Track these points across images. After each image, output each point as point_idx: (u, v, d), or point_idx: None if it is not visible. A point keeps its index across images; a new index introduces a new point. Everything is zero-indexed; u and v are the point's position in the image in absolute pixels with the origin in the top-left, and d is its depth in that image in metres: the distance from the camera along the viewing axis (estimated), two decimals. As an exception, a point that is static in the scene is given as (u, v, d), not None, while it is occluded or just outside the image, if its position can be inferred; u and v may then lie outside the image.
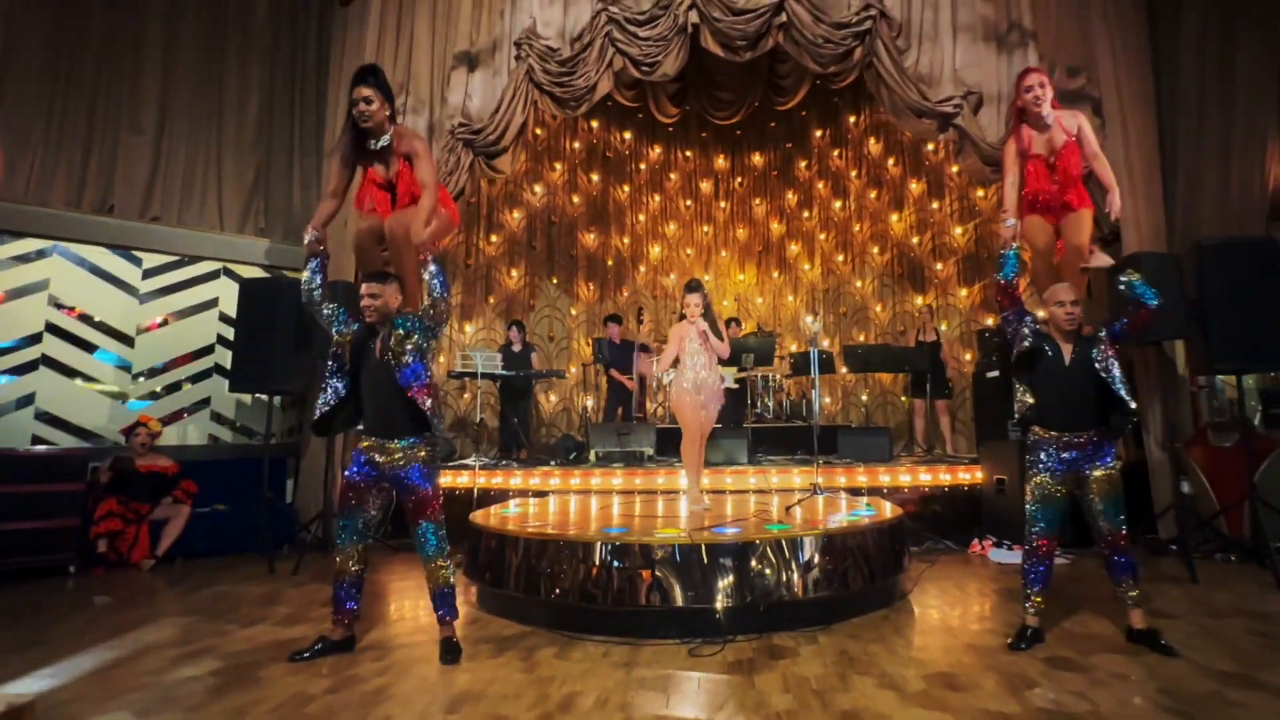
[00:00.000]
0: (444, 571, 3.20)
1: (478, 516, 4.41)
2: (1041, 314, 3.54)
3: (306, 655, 3.08)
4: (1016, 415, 3.36)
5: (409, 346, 3.18)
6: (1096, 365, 3.18)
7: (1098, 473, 3.20)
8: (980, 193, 8.36)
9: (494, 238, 8.79)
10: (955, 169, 8.49)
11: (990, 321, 8.12)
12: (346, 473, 3.24)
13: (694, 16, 5.73)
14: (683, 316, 4.65)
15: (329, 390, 3.23)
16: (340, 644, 3.20)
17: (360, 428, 3.29)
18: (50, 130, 5.95)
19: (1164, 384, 5.88)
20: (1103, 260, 3.71)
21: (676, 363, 4.64)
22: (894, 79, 5.71)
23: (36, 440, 5.61)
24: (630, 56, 5.80)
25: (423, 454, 3.20)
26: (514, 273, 9.01)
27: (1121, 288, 3.24)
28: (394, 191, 3.72)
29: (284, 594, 4.31)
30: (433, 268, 3.27)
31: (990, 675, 2.76)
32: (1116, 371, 3.18)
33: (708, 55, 6.17)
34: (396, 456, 3.17)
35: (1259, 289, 4.82)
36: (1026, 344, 3.30)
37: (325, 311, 3.30)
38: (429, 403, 3.16)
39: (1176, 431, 5.68)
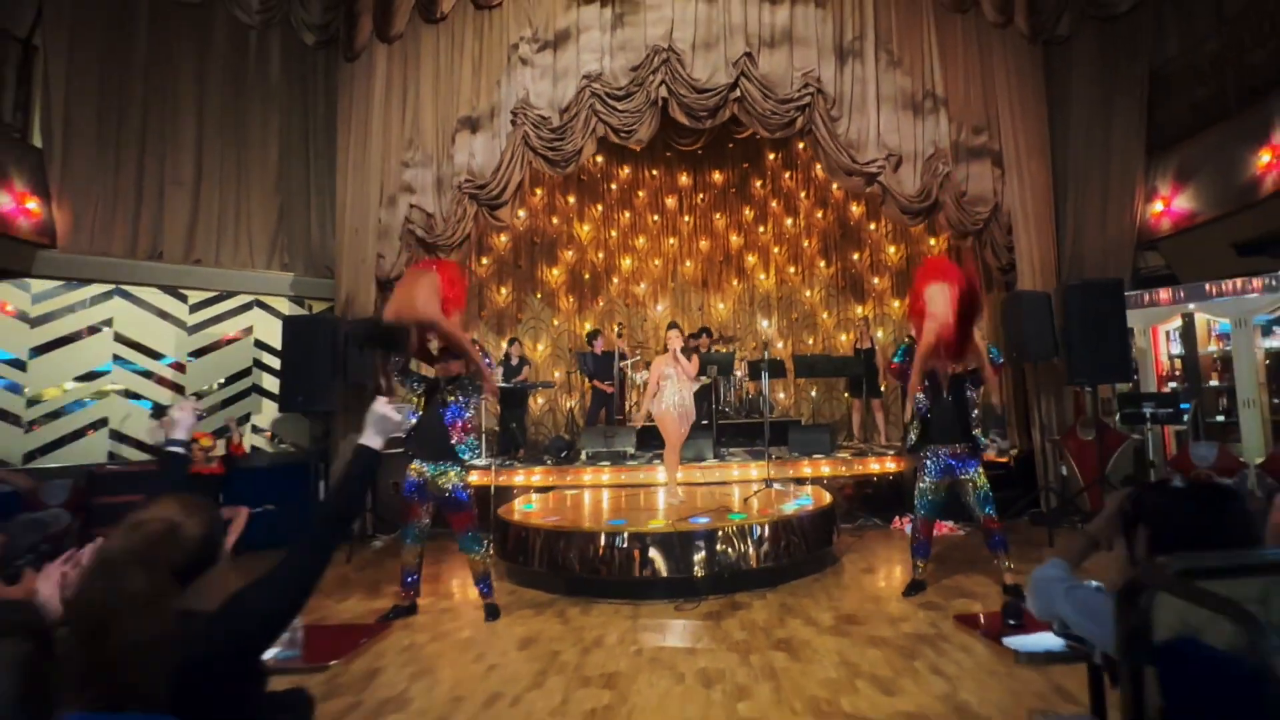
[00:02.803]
0: (484, 562, 4.40)
1: (504, 512, 5.58)
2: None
3: (390, 616, 4.29)
4: (909, 444, 4.67)
5: (451, 400, 4.33)
6: (966, 399, 4.48)
7: (969, 477, 4.49)
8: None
9: (484, 260, 9.84)
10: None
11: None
12: (404, 493, 4.41)
13: (663, 92, 6.85)
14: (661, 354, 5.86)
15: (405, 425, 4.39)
16: (408, 609, 4.41)
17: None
18: (106, 189, 6.83)
19: (1048, 390, 7.29)
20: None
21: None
22: (829, 144, 6.94)
23: (112, 456, 6.59)
24: (611, 125, 6.92)
25: (463, 477, 4.36)
26: (503, 290, 10.08)
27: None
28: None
29: (351, 579, 5.43)
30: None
31: (881, 614, 4.07)
32: (972, 407, 4.48)
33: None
34: (443, 481, 4.32)
35: (1106, 320, 6.21)
36: (920, 408, 4.56)
37: (409, 382, 4.45)
38: (454, 438, 4.30)
39: (1049, 429, 7.13)
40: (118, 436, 6.68)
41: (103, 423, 6.61)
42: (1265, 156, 6.13)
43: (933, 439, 4.55)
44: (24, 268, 6.26)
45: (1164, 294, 7.32)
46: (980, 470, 4.52)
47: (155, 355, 6.97)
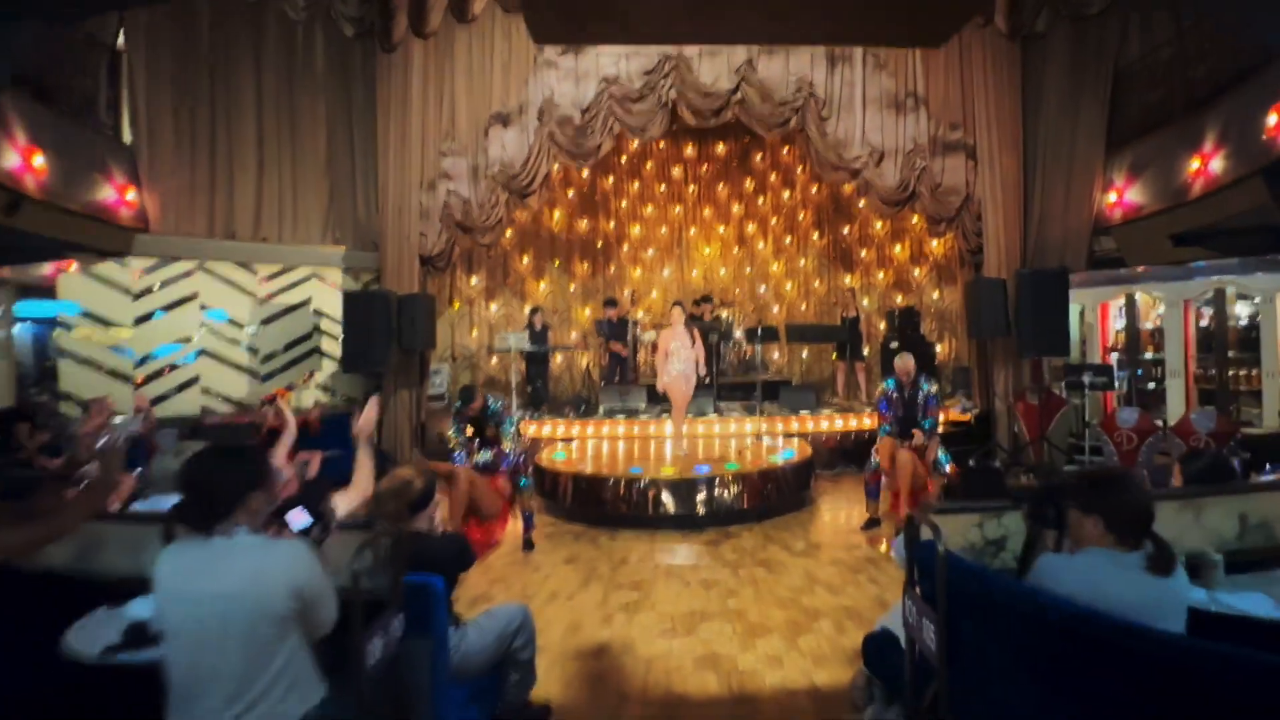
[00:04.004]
0: (531, 501, 5.56)
1: (540, 460, 6.77)
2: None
3: (528, 548, 5.41)
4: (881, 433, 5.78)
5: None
6: (918, 400, 5.57)
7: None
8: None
9: (508, 232, 10.81)
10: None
11: (900, 300, 10.61)
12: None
13: (673, 94, 7.76)
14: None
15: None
16: None
17: None
18: (185, 177, 7.80)
19: (1005, 361, 8.37)
20: None
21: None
22: (819, 142, 7.88)
23: (204, 409, 7.76)
24: (627, 124, 7.85)
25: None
26: (524, 259, 11.10)
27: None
28: None
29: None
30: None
31: (841, 543, 5.30)
32: (927, 403, 5.57)
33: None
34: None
35: (1050, 304, 7.29)
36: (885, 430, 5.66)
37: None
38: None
39: (1003, 393, 8.27)
40: (208, 392, 7.85)
41: (194, 380, 7.77)
42: (1195, 163, 7.09)
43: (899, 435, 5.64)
44: (125, 249, 7.30)
45: (1112, 275, 8.34)
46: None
47: (234, 323, 8.08)
